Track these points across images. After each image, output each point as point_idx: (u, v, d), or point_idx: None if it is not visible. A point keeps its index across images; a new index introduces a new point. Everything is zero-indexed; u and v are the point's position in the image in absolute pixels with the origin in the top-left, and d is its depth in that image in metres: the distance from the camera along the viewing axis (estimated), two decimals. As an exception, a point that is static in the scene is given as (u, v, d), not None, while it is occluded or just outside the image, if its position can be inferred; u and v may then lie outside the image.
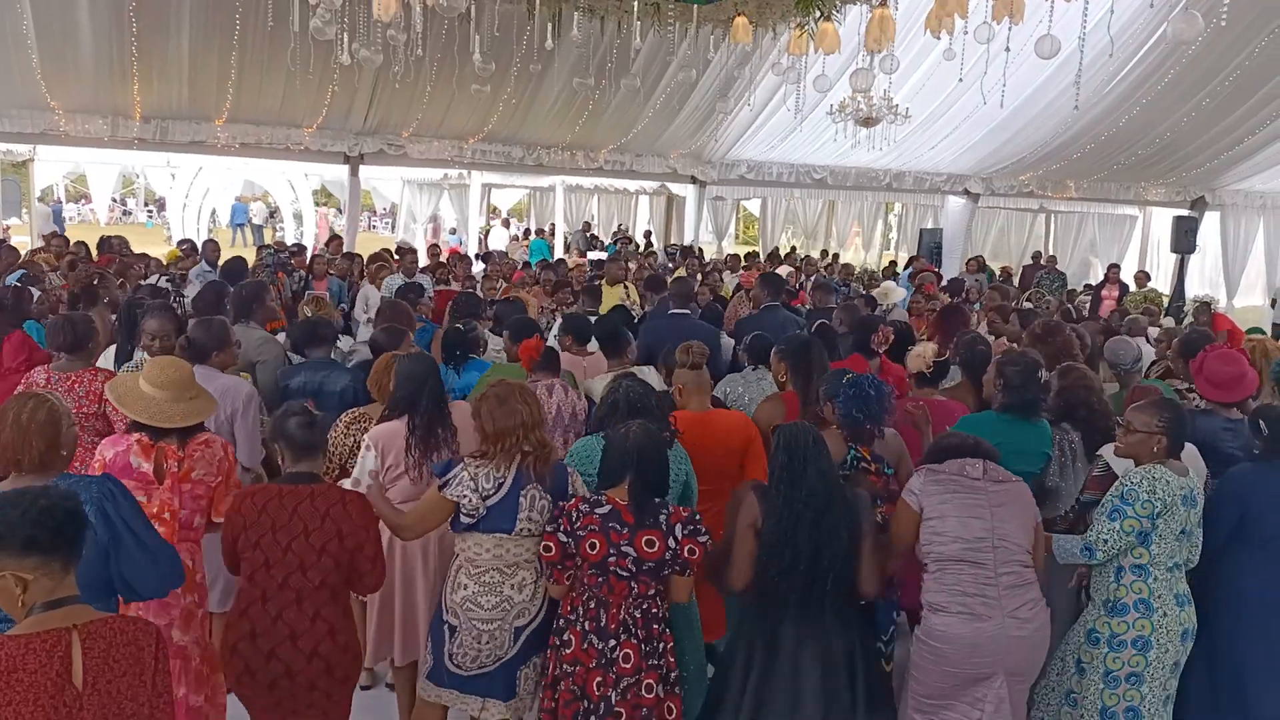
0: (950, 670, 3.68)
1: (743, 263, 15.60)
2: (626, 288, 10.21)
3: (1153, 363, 7.75)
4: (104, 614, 2.35)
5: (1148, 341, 8.33)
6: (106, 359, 5.87)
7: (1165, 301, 15.38)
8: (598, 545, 3.44)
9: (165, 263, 11.16)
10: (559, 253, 19.02)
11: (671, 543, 3.43)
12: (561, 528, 3.49)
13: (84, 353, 5.12)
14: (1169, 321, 11.75)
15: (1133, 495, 3.85)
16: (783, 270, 13.79)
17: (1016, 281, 16.00)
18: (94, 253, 11.39)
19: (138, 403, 3.69)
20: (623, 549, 3.43)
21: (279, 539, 3.41)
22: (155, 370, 3.77)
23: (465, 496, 3.60)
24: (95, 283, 7.86)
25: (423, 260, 12.77)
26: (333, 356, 6.08)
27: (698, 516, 3.50)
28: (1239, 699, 4.16)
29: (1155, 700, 3.88)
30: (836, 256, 19.78)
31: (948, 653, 3.67)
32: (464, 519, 3.63)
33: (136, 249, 11.82)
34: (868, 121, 12.89)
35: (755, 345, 5.97)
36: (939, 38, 8.53)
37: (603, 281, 10.40)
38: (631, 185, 19.02)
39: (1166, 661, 3.87)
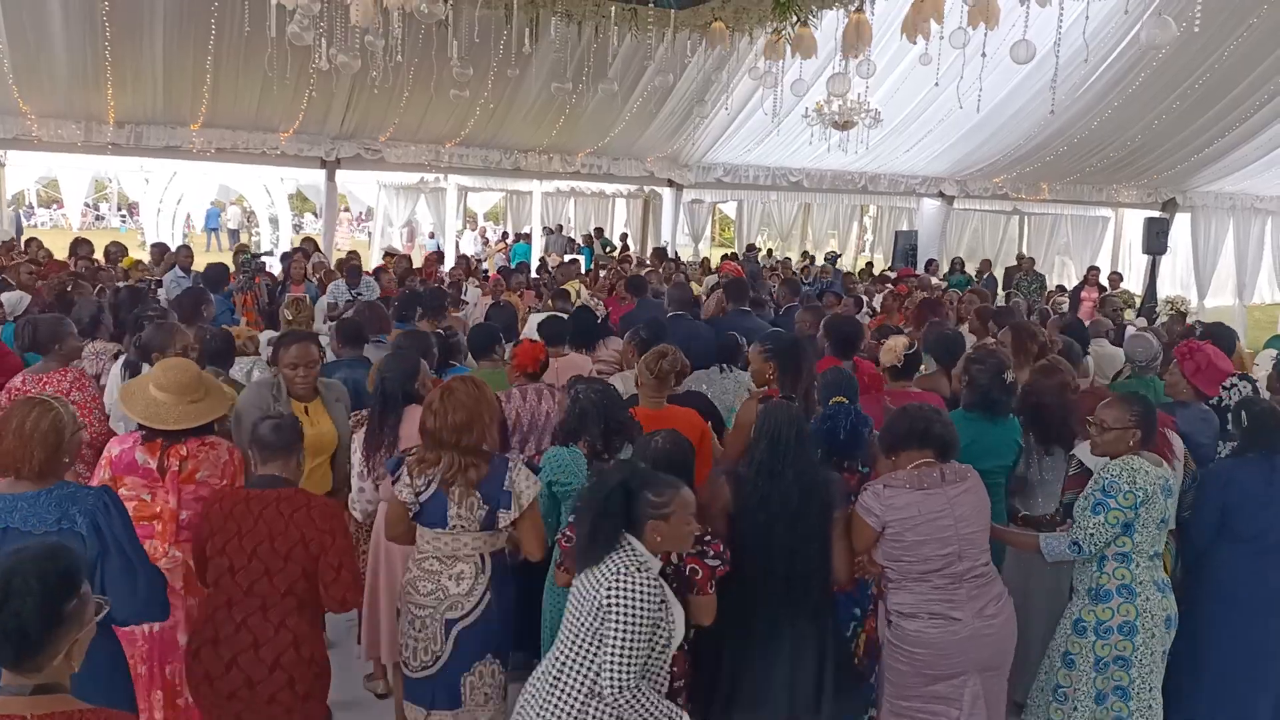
0: (926, 672, 3.73)
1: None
2: (578, 290, 10.34)
3: (1127, 362, 7.83)
4: (81, 708, 2.12)
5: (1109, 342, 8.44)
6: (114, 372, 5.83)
7: (1138, 302, 15.59)
8: None
9: (125, 269, 11.07)
10: (537, 256, 19.01)
11: (675, 559, 3.39)
12: None
13: (55, 354, 5.09)
14: (1141, 321, 11.89)
15: (1114, 488, 3.87)
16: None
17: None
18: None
19: (139, 403, 3.69)
20: None
21: (244, 544, 3.34)
22: (160, 372, 3.80)
23: (402, 491, 3.67)
24: (69, 289, 7.83)
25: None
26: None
27: (709, 538, 3.43)
28: (1224, 697, 4.22)
29: (1143, 684, 3.91)
30: (814, 259, 19.84)
31: (921, 655, 3.72)
32: (408, 511, 3.72)
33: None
34: (845, 125, 12.96)
35: (724, 346, 6.04)
36: (915, 42, 8.58)
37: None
38: (609, 188, 19.03)
39: (1155, 648, 3.90)
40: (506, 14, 10.50)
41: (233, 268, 10.31)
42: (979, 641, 3.70)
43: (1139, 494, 3.85)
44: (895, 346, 5.25)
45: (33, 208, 31.81)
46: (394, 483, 3.71)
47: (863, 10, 8.84)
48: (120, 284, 9.58)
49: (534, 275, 13.84)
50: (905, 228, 20.90)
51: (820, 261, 18.10)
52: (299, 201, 29.69)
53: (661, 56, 11.94)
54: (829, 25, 10.35)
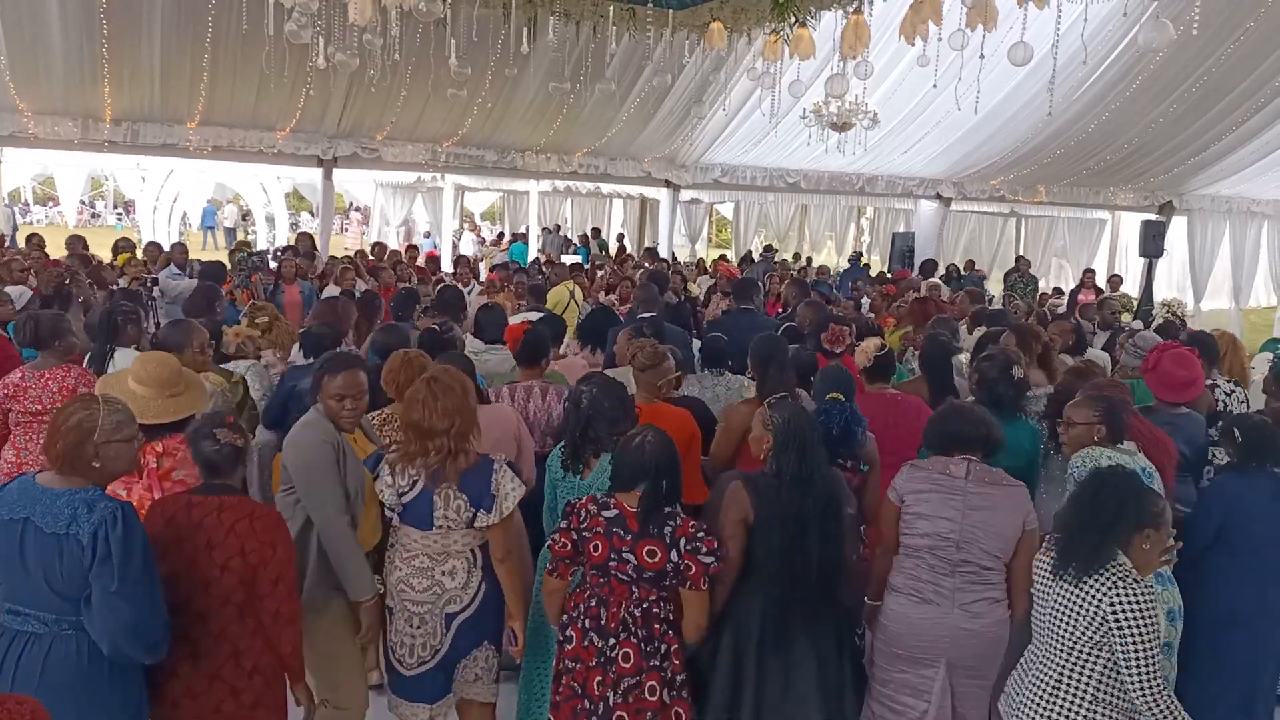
0: (895, 651, 3.78)
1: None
2: (571, 290, 10.32)
3: (1114, 366, 7.79)
4: None
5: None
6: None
7: (1135, 305, 15.56)
8: (600, 547, 3.46)
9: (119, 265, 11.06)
10: (533, 256, 18.98)
11: (674, 555, 3.41)
12: (572, 525, 3.51)
13: (54, 349, 5.07)
14: (1138, 324, 11.89)
15: (1077, 476, 3.97)
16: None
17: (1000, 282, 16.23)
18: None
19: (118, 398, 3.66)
20: (624, 555, 3.43)
21: (183, 552, 3.17)
22: (140, 366, 3.77)
23: (383, 492, 3.67)
24: (67, 282, 7.80)
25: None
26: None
27: (702, 534, 3.45)
28: (1223, 710, 4.21)
29: None
30: (810, 259, 19.86)
31: (893, 630, 3.79)
32: (388, 513, 3.72)
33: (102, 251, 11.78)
34: (842, 126, 12.97)
35: (709, 348, 5.95)
36: (913, 44, 8.57)
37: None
38: (605, 188, 19.02)
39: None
40: (504, 13, 10.47)
41: (229, 266, 10.29)
42: (954, 633, 3.72)
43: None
44: (867, 348, 5.34)
45: (29, 205, 31.74)
46: (375, 480, 3.72)
47: (861, 11, 8.84)
48: (115, 282, 9.58)
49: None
50: (902, 229, 20.90)
51: (818, 263, 18.11)
52: (295, 200, 29.67)
53: (659, 57, 11.94)
54: (827, 26, 10.32)
